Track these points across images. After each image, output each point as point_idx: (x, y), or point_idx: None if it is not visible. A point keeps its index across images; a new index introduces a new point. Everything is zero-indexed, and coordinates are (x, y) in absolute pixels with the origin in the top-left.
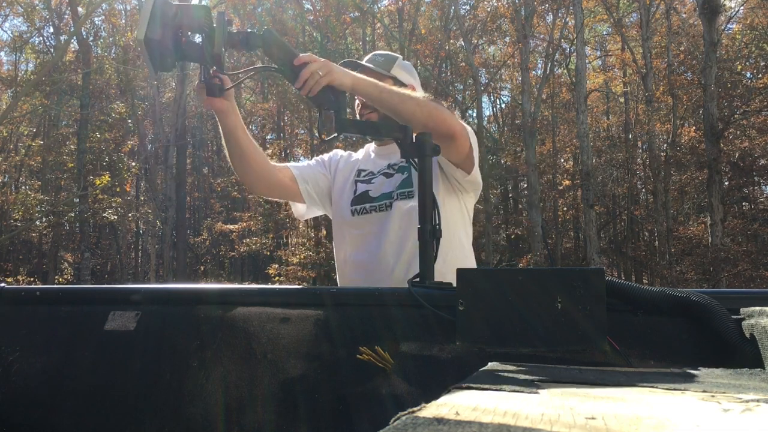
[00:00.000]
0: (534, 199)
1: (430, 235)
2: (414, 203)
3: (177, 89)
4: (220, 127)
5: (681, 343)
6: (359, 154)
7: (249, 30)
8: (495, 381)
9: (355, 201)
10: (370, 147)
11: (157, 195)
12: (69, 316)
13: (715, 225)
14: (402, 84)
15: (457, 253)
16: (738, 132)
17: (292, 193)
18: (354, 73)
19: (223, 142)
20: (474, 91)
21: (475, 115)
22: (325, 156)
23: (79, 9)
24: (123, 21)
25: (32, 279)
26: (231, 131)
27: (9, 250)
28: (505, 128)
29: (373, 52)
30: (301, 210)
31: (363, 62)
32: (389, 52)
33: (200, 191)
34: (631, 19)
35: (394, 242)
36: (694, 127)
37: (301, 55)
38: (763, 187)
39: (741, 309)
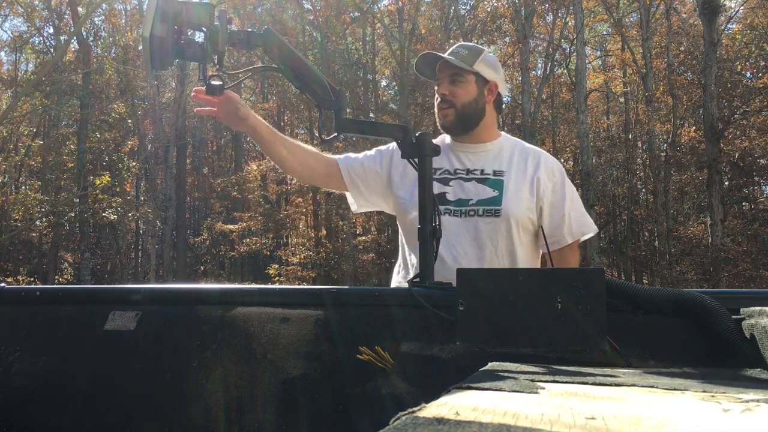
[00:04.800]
0: None
1: (430, 235)
2: (498, 225)
3: (177, 89)
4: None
5: (681, 343)
6: None
7: (249, 29)
8: (495, 381)
9: None
10: (445, 139)
11: (157, 195)
12: (69, 316)
13: (715, 225)
14: (485, 80)
15: None
16: (738, 132)
17: (340, 187)
18: None
19: (269, 153)
20: None
21: None
22: (388, 148)
23: (79, 9)
24: (123, 21)
25: (32, 279)
26: (262, 146)
27: (9, 250)
28: (505, 128)
29: (459, 44)
30: (354, 203)
31: (445, 55)
32: (476, 45)
33: (200, 191)
34: (631, 19)
35: (470, 254)
36: (694, 127)
37: None
38: (763, 187)
39: (741, 309)
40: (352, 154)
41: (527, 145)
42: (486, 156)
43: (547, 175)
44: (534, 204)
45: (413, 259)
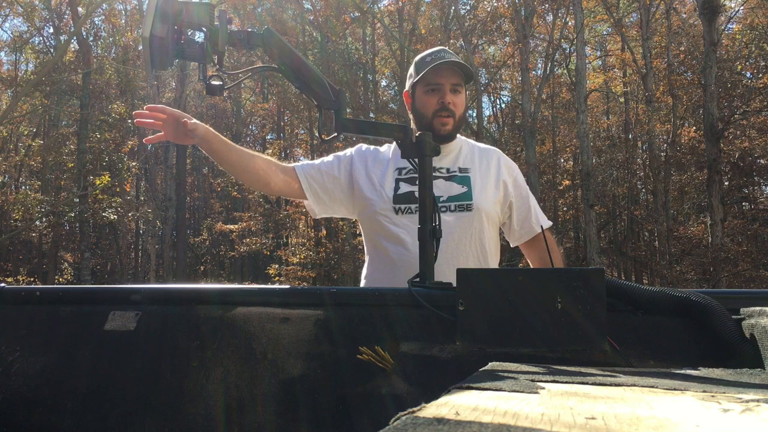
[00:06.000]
0: None
1: (430, 235)
2: (471, 221)
3: (177, 89)
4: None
5: (681, 343)
6: (386, 148)
7: (249, 29)
8: (495, 381)
9: (399, 200)
10: None
11: (157, 195)
12: (69, 316)
13: (715, 225)
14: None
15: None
16: (738, 132)
17: (298, 195)
18: None
19: (227, 167)
20: (474, 91)
21: (475, 115)
22: (345, 153)
23: (79, 9)
24: (123, 21)
25: (32, 279)
26: (214, 156)
27: (9, 250)
28: (505, 128)
29: (447, 50)
30: (314, 209)
31: (460, 61)
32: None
33: (200, 191)
34: (631, 19)
35: (443, 249)
36: (694, 127)
37: None
38: (763, 187)
39: (741, 309)
40: (308, 161)
41: (481, 144)
42: (448, 155)
43: (507, 171)
44: (499, 198)
45: (379, 265)
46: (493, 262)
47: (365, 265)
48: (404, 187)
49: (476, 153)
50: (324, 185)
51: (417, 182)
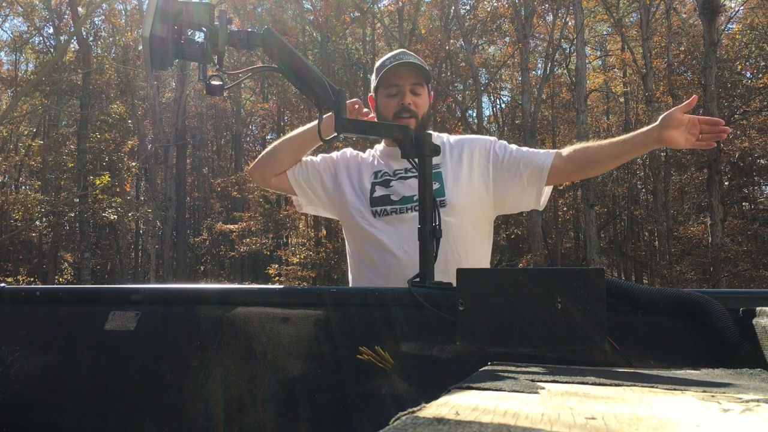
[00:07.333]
0: None
1: (430, 235)
2: (445, 217)
3: (177, 89)
4: (303, 135)
5: (681, 343)
6: (367, 154)
7: (249, 29)
8: (495, 381)
9: (375, 202)
10: (379, 147)
11: (157, 195)
12: (69, 316)
13: (715, 225)
14: (428, 91)
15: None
16: (738, 132)
17: (289, 191)
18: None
19: (287, 143)
20: (474, 91)
21: (475, 115)
22: (332, 155)
23: (79, 9)
24: (123, 21)
25: (32, 279)
26: (310, 146)
27: (9, 250)
28: (505, 128)
29: (403, 51)
30: (300, 202)
31: (416, 61)
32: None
33: (200, 191)
34: (631, 19)
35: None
36: None
37: None
38: (763, 187)
39: (741, 309)
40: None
41: (453, 137)
42: None
43: (481, 149)
44: (475, 185)
45: (365, 270)
46: (475, 256)
47: (349, 270)
48: (379, 191)
49: (447, 147)
50: (308, 180)
51: (390, 185)
